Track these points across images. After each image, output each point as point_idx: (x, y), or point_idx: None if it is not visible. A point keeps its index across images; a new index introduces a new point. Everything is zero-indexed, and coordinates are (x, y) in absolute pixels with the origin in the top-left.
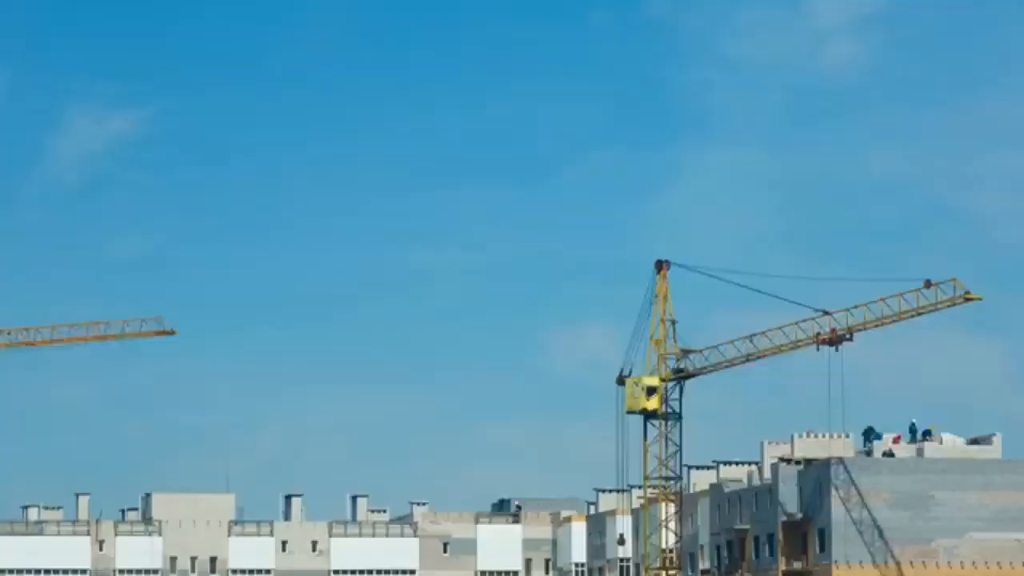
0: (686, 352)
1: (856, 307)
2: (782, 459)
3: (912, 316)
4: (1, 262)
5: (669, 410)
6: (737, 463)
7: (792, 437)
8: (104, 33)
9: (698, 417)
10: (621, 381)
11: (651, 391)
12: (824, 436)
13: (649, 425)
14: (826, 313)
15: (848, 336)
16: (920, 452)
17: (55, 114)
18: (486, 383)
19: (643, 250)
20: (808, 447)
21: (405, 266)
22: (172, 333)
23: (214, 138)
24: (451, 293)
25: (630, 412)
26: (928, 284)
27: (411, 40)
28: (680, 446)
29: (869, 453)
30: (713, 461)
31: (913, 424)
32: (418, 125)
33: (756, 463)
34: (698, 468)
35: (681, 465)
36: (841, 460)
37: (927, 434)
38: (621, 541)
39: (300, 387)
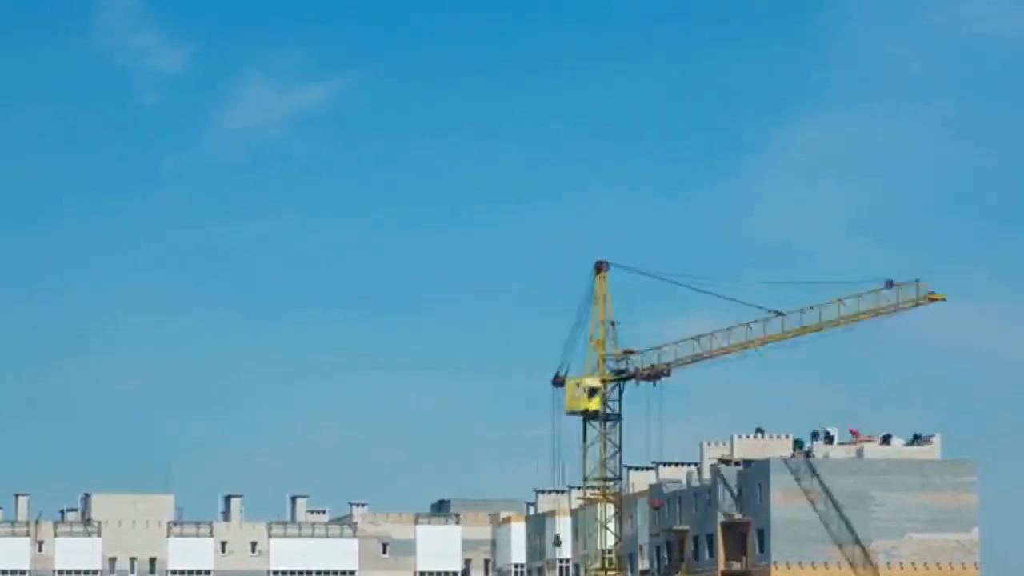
0: (627, 353)
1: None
2: (721, 460)
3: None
4: (140, 237)
5: (609, 411)
6: (676, 464)
7: (731, 438)
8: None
9: (638, 418)
10: (558, 382)
11: (592, 392)
12: (763, 437)
13: (588, 426)
14: (779, 314)
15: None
16: (860, 452)
17: (230, 82)
18: (441, 382)
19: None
20: (747, 448)
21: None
22: None
23: (371, 118)
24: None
25: (571, 413)
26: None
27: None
28: (620, 447)
29: (808, 454)
30: (652, 462)
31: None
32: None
33: (695, 464)
34: (637, 469)
35: (621, 466)
36: (780, 460)
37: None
38: (557, 542)
39: (239, 386)
